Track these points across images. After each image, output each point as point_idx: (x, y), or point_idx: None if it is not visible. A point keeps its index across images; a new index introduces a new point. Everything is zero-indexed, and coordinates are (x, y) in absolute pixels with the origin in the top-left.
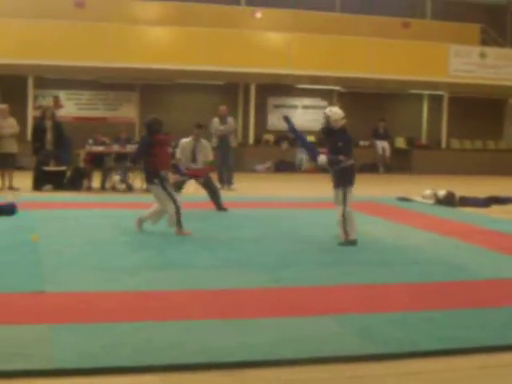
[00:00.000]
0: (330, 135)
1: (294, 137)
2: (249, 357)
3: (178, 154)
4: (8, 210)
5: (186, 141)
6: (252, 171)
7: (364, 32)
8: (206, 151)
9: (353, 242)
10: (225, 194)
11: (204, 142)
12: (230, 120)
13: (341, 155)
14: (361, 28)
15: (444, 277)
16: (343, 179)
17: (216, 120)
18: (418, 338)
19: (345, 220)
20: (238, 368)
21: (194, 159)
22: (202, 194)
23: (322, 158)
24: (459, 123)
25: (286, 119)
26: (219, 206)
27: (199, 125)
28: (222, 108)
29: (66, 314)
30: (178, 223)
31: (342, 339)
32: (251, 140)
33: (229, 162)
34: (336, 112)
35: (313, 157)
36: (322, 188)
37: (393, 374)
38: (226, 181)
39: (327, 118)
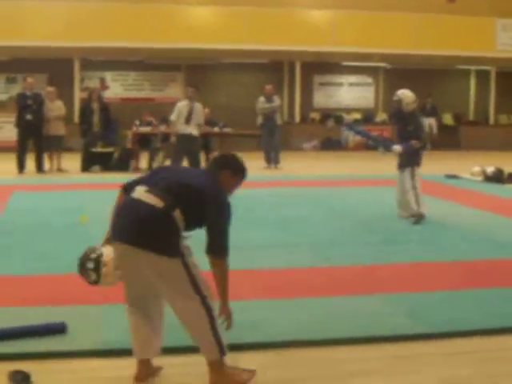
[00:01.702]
0: (401, 119)
1: (362, 137)
2: (299, 336)
3: (173, 116)
4: (57, 329)
5: (182, 103)
6: (298, 149)
7: (409, 8)
8: (200, 114)
9: (423, 216)
10: (272, 173)
11: (198, 105)
12: (276, 98)
13: (412, 139)
14: (405, 4)
15: (494, 254)
16: (410, 160)
17: (262, 99)
18: (469, 316)
19: (417, 196)
20: (289, 347)
21: (188, 121)
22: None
23: (397, 148)
24: (507, 98)
25: (350, 127)
26: None
27: (195, 85)
28: (268, 87)
29: (119, 295)
30: None
31: (391, 319)
32: (297, 118)
33: (275, 140)
34: (408, 95)
35: (386, 148)
36: (369, 166)
37: (442, 354)
38: (273, 159)
39: (399, 100)
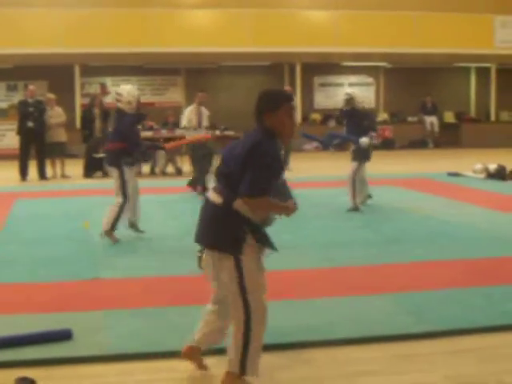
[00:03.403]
0: (354, 115)
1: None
2: (304, 337)
3: (185, 122)
4: (62, 335)
5: (189, 109)
6: (300, 151)
7: (407, 6)
8: (206, 118)
9: (357, 208)
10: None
11: (204, 109)
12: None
13: (369, 132)
14: (404, 2)
15: (497, 252)
16: (363, 155)
17: None
18: (473, 314)
19: (354, 187)
20: (294, 348)
21: (200, 125)
22: None
23: (364, 140)
24: (508, 95)
25: (307, 136)
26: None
27: (202, 89)
28: (288, 88)
29: (121, 300)
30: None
31: (395, 318)
32: (298, 119)
33: (288, 143)
34: (358, 93)
35: (354, 142)
36: (370, 166)
37: (447, 352)
38: (284, 161)
39: (351, 99)
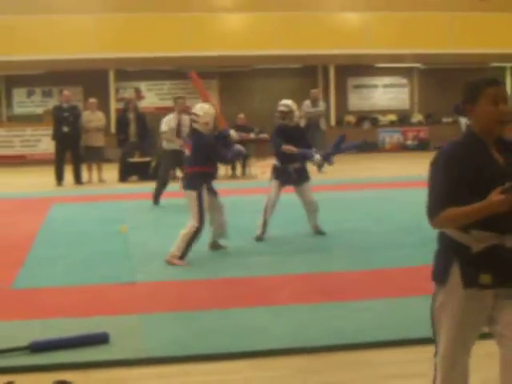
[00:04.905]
0: (295, 131)
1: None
2: (338, 340)
3: (163, 127)
4: (100, 339)
5: (170, 117)
6: None
7: (441, 7)
8: (187, 127)
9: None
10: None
11: (186, 117)
12: (321, 103)
13: (314, 149)
14: (438, 3)
15: None
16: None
17: (307, 103)
18: None
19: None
20: (326, 352)
21: (178, 134)
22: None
23: (317, 157)
24: None
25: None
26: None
27: (181, 97)
28: (314, 91)
29: (157, 303)
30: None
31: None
32: (333, 121)
33: (317, 145)
34: (295, 106)
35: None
36: (408, 167)
37: (483, 355)
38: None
39: (291, 112)
